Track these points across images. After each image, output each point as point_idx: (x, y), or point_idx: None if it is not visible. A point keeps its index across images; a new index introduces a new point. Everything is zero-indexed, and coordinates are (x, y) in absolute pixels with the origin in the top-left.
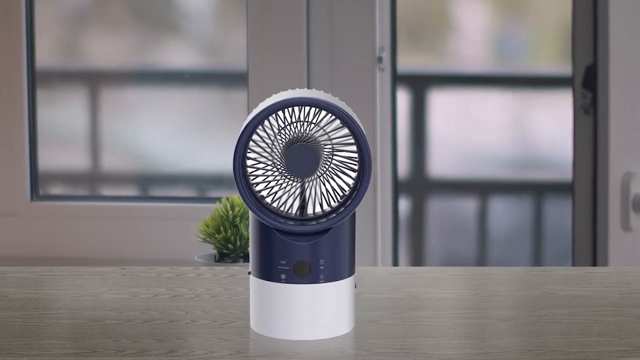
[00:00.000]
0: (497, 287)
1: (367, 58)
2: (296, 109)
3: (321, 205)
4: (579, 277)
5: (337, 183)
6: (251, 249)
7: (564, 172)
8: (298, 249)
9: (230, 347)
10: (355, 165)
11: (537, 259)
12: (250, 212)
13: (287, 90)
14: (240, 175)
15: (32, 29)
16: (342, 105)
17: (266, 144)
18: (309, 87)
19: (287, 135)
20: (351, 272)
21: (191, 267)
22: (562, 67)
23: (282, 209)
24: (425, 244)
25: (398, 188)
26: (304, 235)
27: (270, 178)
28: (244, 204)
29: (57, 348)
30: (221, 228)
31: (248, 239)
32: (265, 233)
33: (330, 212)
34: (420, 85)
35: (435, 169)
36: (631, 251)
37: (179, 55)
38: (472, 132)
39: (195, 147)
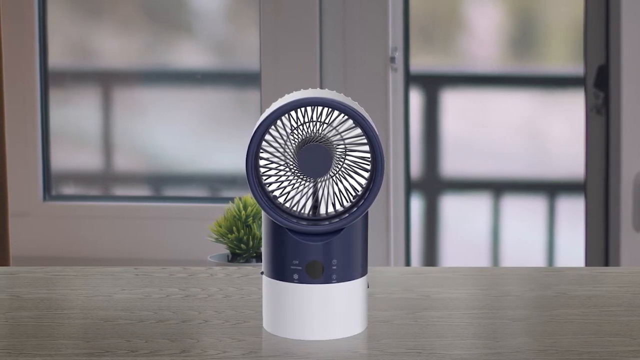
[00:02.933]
0: (509, 287)
1: (379, 58)
2: (309, 109)
3: (334, 205)
4: (591, 277)
5: (349, 183)
6: (264, 249)
7: (576, 171)
8: (311, 249)
9: (243, 347)
10: (368, 165)
11: (550, 259)
12: (262, 212)
13: (300, 90)
14: (253, 175)
15: (44, 29)
16: (355, 105)
17: (279, 144)
18: (321, 87)
19: (299, 135)
20: (364, 272)
21: (204, 267)
22: (574, 67)
23: (294, 209)
24: (437, 244)
25: (410, 188)
26: (316, 235)
27: (283, 178)
28: (257, 204)
29: (69, 348)
30: (234, 228)
31: (261, 239)
32: (277, 233)
33: (342, 212)
34: (432, 85)
35: (447, 168)
36: None
37: (191, 55)
38: (484, 131)
39: (207, 147)
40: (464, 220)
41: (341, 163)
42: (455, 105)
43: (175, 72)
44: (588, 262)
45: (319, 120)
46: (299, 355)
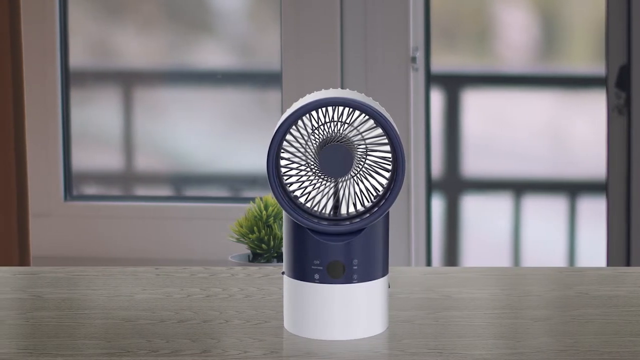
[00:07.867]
0: (530, 287)
1: (400, 58)
2: (330, 109)
3: (355, 205)
4: (613, 277)
5: (370, 183)
6: (285, 249)
7: (598, 171)
8: (332, 249)
9: (264, 347)
10: (389, 165)
11: (571, 259)
12: (284, 212)
13: (321, 90)
14: (274, 175)
15: (65, 29)
16: (376, 105)
17: (300, 144)
18: (342, 87)
19: (320, 135)
20: (385, 272)
21: (225, 267)
22: (596, 67)
23: (315, 209)
24: (458, 244)
25: (431, 188)
26: (337, 235)
27: (304, 178)
28: (278, 204)
29: (90, 348)
30: (255, 228)
31: (282, 239)
32: (298, 233)
33: (363, 212)
34: (454, 85)
35: (468, 168)
36: None
37: (212, 55)
38: (505, 131)
39: (228, 147)
40: (485, 220)
41: (362, 163)
42: (477, 105)
43: (197, 72)
44: (609, 262)
45: (340, 120)
46: (320, 355)
